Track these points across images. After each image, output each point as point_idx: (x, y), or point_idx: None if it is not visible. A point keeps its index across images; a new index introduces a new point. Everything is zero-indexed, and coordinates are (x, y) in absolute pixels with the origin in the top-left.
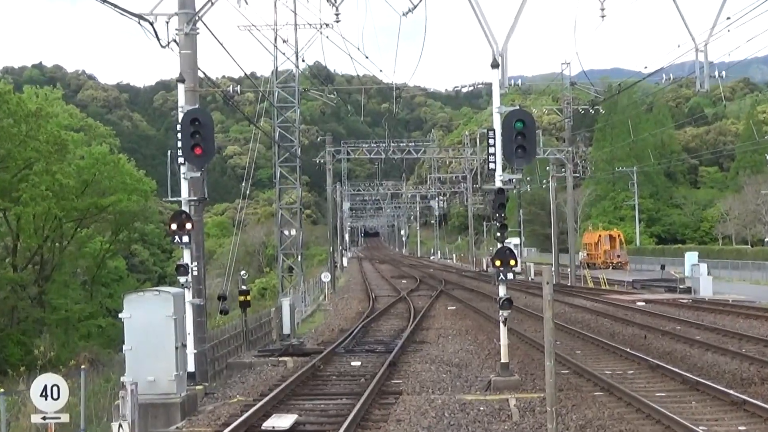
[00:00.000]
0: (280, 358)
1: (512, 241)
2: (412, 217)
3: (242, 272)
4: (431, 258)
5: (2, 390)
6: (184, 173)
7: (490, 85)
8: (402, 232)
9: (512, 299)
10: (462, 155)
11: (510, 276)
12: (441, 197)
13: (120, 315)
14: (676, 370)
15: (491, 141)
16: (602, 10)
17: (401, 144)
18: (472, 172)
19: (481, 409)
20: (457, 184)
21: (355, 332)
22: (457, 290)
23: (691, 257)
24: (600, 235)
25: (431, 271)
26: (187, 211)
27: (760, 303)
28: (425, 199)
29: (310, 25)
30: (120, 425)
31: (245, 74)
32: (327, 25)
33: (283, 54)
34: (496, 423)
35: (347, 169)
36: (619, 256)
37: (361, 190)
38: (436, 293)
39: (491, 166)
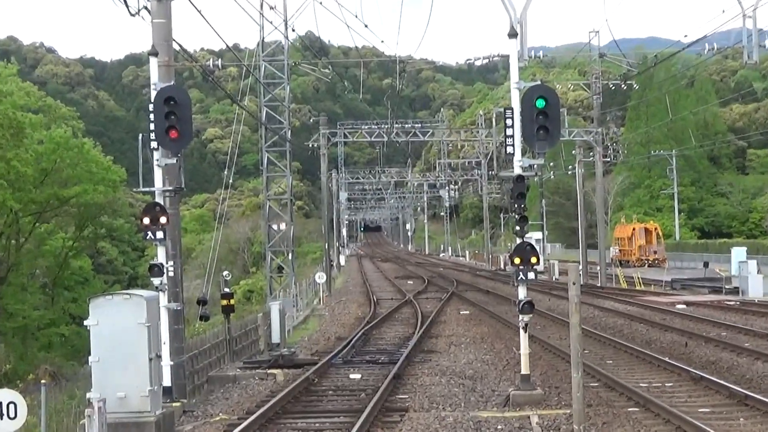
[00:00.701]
0: (269, 371)
1: (533, 236)
2: (418, 209)
3: (225, 273)
4: (441, 255)
5: None
6: (157, 160)
7: (507, 57)
8: (407, 226)
9: (534, 302)
10: (476, 138)
11: (531, 276)
12: (452, 186)
13: (85, 322)
14: (722, 382)
15: (509, 121)
16: None
17: (406, 125)
18: (488, 156)
19: (499, 427)
20: (470, 171)
21: (354, 340)
22: (471, 292)
23: (738, 253)
24: (634, 229)
25: (441, 271)
26: (162, 203)
27: None
28: (434, 189)
29: None
30: None
31: (227, 46)
32: None
33: (270, 23)
34: None
35: (344, 154)
36: (655, 252)
37: (360, 179)
38: (446, 296)
39: (509, 149)
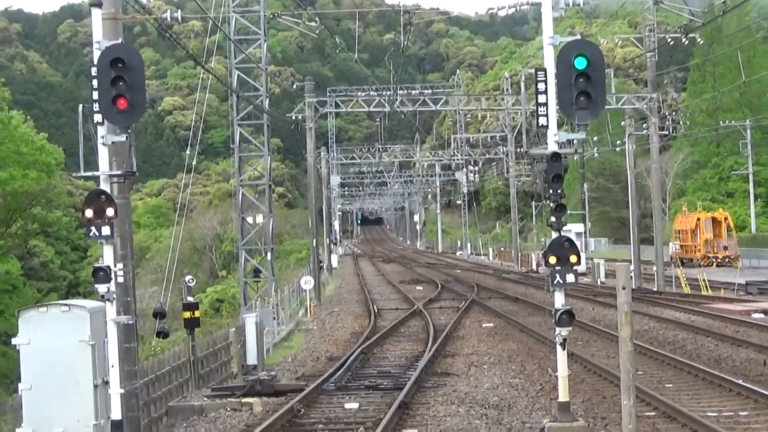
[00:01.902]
0: (244, 400)
1: (573, 229)
2: (429, 196)
3: (188, 277)
4: (458, 254)
5: None
6: (102, 137)
7: (538, 5)
8: (415, 218)
9: (574, 312)
10: (500, 107)
11: (570, 279)
12: (471, 167)
13: (13, 340)
14: None
15: (541, 86)
16: None
17: (413, 92)
18: (515, 130)
19: None
20: (493, 148)
21: (349, 361)
22: (496, 299)
23: None
24: (699, 219)
25: (458, 273)
26: (108, 190)
27: None
28: (448, 170)
29: None
30: None
31: None
32: None
33: None
34: None
35: (336, 128)
36: (726, 249)
37: (356, 159)
38: (465, 304)
39: (542, 121)
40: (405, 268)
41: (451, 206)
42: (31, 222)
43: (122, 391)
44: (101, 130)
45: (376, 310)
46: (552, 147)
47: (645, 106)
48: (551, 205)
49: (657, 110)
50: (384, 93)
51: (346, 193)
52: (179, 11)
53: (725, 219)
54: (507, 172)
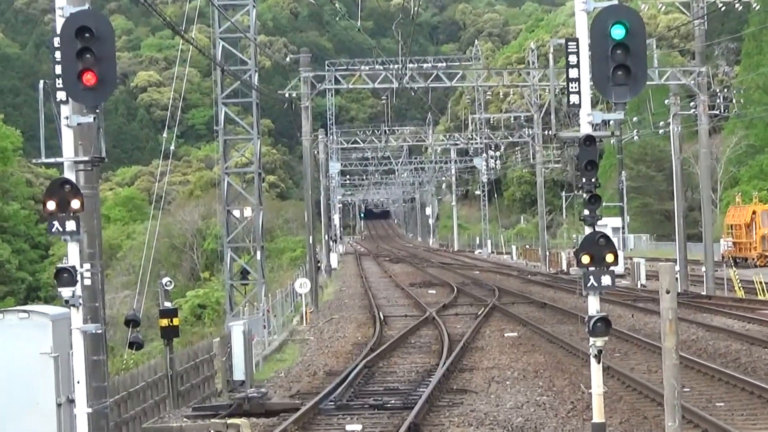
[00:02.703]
0: (230, 421)
1: (610, 223)
2: (443, 186)
3: (165, 280)
4: (477, 252)
5: None
6: (67, 118)
7: None
8: (427, 211)
9: (610, 319)
10: (525, 83)
11: (606, 281)
12: (492, 152)
13: None
14: None
15: (573, 58)
16: None
17: (425, 65)
18: (542, 109)
19: None
20: (517, 131)
21: (352, 376)
22: (520, 305)
23: None
24: (755, 212)
25: (476, 275)
26: (73, 179)
27: None
28: (465, 156)
29: None
30: None
31: None
32: None
33: None
34: None
35: (337, 107)
36: None
37: (359, 142)
38: (484, 311)
39: (573, 99)
40: (415, 269)
41: (469, 197)
42: None
43: (89, 410)
44: (65, 110)
45: (382, 318)
46: (585, 129)
47: (692, 82)
48: (584, 195)
49: (706, 86)
50: (391, 67)
51: (348, 182)
52: None
53: None
54: (533, 158)
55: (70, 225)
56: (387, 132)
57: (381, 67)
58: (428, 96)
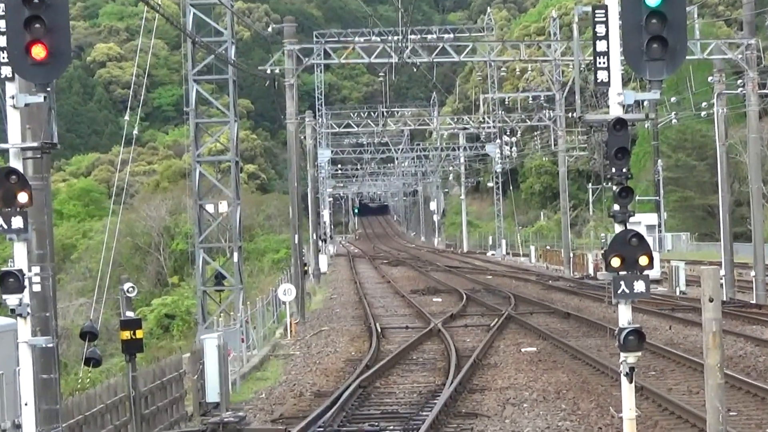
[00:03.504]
0: None
1: (644, 220)
2: (451, 177)
3: (127, 286)
4: (489, 254)
5: None
6: (12, 98)
7: None
8: (432, 206)
9: (644, 332)
10: (546, 57)
11: (640, 287)
12: (507, 137)
13: None
14: None
15: (601, 29)
16: None
17: (428, 36)
18: (565, 88)
19: None
20: (537, 113)
21: (344, 397)
22: (540, 315)
23: None
24: None
25: (489, 280)
26: (20, 169)
27: None
28: (476, 142)
29: None
30: None
31: None
32: None
33: None
34: None
35: (327, 85)
36: None
37: (353, 126)
38: (498, 322)
39: (601, 76)
40: (418, 274)
41: (480, 190)
42: None
43: None
44: (11, 88)
45: (379, 330)
46: (615, 111)
47: (740, 56)
48: (614, 188)
49: (756, 61)
50: (390, 39)
51: (340, 172)
52: None
53: None
54: (555, 145)
55: (17, 222)
56: (385, 114)
57: (378, 39)
58: (433, 72)
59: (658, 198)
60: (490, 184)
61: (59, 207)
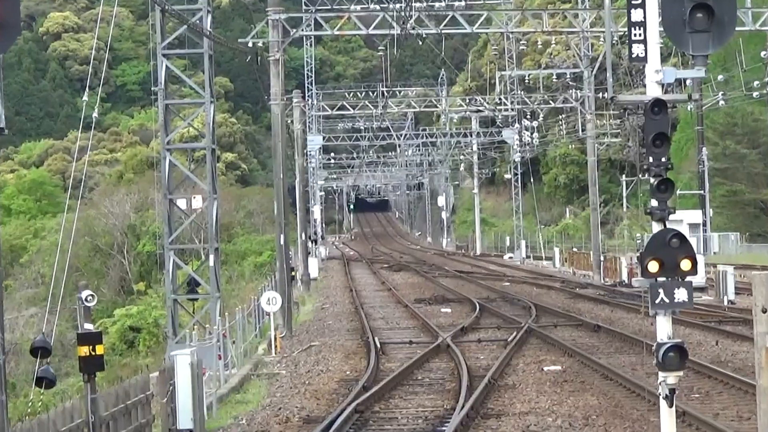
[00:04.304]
0: None
1: (686, 218)
2: (461, 168)
3: (86, 294)
4: (507, 257)
5: None
6: None
7: None
8: (440, 201)
9: (686, 348)
10: (572, 28)
11: (681, 296)
12: (527, 121)
13: None
14: None
15: None
16: None
17: (436, 4)
18: (595, 64)
19: None
20: (561, 93)
21: (337, 424)
22: (565, 328)
23: None
24: None
25: (506, 287)
26: None
27: None
28: (491, 127)
29: None
30: None
31: None
32: None
33: None
34: None
35: (319, 61)
36: None
37: (348, 108)
38: (517, 335)
39: (636, 51)
40: (423, 280)
41: (496, 183)
42: None
43: None
44: None
45: (378, 345)
46: (653, 91)
47: None
48: (651, 181)
49: None
50: (391, 7)
51: (333, 162)
52: None
53: None
54: (583, 130)
55: None
56: (386, 94)
57: (377, 7)
58: (441, 46)
59: (702, 192)
60: (507, 176)
61: (6, 202)
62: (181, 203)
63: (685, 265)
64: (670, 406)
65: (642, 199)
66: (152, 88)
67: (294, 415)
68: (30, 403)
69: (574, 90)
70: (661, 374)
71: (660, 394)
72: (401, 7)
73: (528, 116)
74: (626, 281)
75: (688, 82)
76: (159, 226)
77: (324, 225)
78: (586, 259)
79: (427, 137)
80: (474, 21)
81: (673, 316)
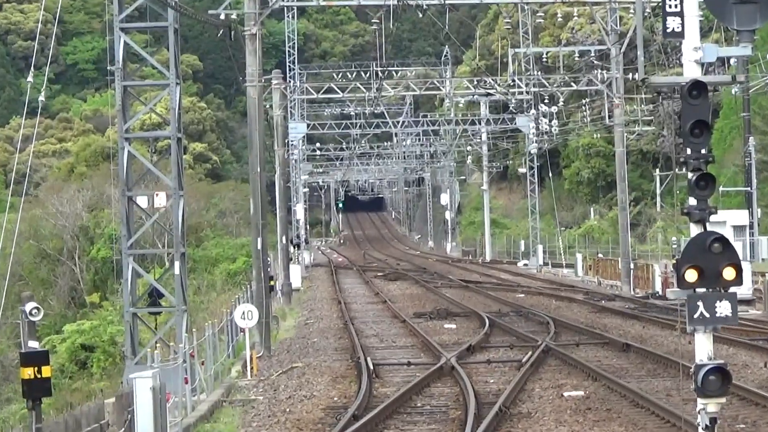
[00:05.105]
0: None
1: (729, 219)
2: (469, 161)
3: (30, 307)
4: (521, 264)
5: None
6: None
7: None
8: (443, 200)
9: (730, 371)
10: None
11: (725, 310)
12: (545, 106)
13: None
14: None
15: None
16: None
17: None
18: (624, 41)
19: None
20: (585, 74)
21: None
22: (589, 347)
23: None
24: None
25: (519, 298)
26: None
27: None
28: (503, 113)
29: None
30: None
31: None
32: None
33: None
34: None
35: (302, 36)
36: None
37: (337, 91)
38: (532, 356)
39: (671, 25)
40: (424, 291)
41: (509, 179)
42: None
43: None
44: None
45: (371, 367)
46: (691, 71)
47: None
48: (689, 176)
49: None
50: None
51: (319, 154)
52: None
53: None
54: (609, 117)
55: None
56: (380, 75)
57: None
58: (445, 18)
59: (749, 189)
60: (521, 170)
61: None
62: (142, 201)
63: (729, 273)
64: None
65: (678, 197)
66: (108, 68)
67: None
68: None
69: (599, 70)
70: (700, 401)
71: (699, 424)
72: None
73: (546, 101)
74: (660, 293)
75: (732, 61)
76: (116, 227)
77: (308, 227)
78: (614, 267)
79: (428, 125)
80: None
81: (714, 333)
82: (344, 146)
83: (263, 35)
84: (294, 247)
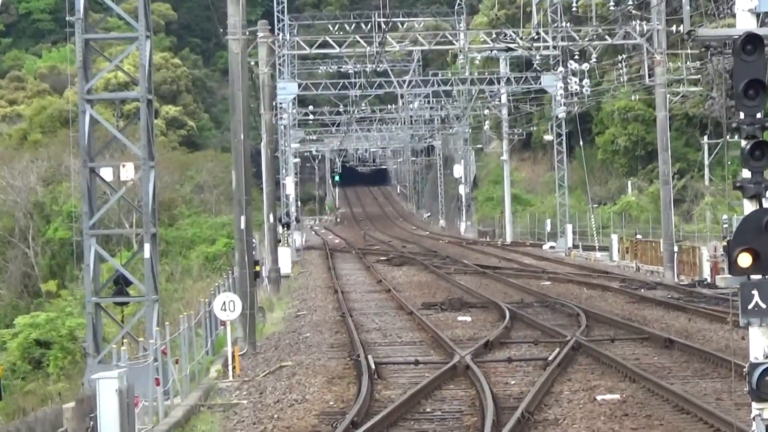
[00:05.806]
0: None
1: None
2: (486, 127)
3: None
4: (546, 247)
5: None
6: None
7: None
8: (456, 171)
9: None
10: None
11: None
12: (573, 64)
13: None
14: None
15: None
16: None
17: None
18: None
19: None
20: (622, 26)
21: None
22: (626, 343)
23: None
24: None
25: (545, 286)
26: None
27: None
28: (526, 72)
29: None
30: None
31: None
32: None
33: None
34: None
35: None
36: None
37: (333, 46)
38: (560, 353)
39: None
40: (434, 278)
41: (533, 148)
42: None
43: None
44: None
45: (373, 366)
46: (744, 23)
47: None
48: (743, 144)
49: None
50: None
51: (312, 118)
52: None
53: None
54: (650, 77)
55: None
56: (384, 27)
57: None
58: None
59: None
60: (547, 138)
61: None
62: (106, 174)
63: None
64: None
65: (730, 168)
66: (67, 18)
67: None
68: None
69: (638, 21)
70: (755, 405)
71: None
72: None
73: (576, 57)
74: (708, 280)
75: None
76: (76, 204)
77: (300, 203)
78: (655, 250)
79: (439, 85)
80: None
81: None
82: (341, 110)
83: None
84: (283, 227)
